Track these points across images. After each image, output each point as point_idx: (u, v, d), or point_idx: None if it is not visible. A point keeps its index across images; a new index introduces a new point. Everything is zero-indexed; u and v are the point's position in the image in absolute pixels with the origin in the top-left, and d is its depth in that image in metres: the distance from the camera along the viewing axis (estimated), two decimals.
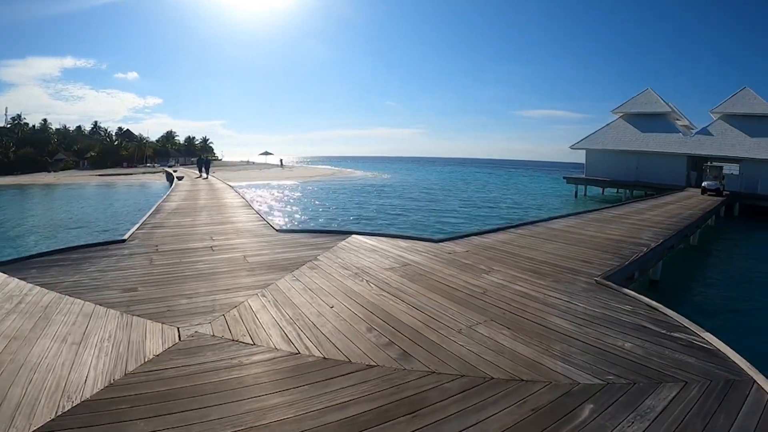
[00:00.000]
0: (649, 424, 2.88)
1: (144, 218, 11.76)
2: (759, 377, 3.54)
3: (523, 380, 3.39)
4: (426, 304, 5.04)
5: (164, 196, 18.29)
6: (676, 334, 4.42)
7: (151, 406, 2.96)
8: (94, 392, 3.11)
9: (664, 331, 4.48)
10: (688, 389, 3.36)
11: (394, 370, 3.47)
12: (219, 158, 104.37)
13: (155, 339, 4.02)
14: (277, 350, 3.83)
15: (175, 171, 43.79)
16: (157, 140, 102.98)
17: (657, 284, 10.47)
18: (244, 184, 37.99)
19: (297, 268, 6.60)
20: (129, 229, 9.93)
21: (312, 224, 19.69)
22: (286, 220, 20.85)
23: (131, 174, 56.91)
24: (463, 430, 2.77)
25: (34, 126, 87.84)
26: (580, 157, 42.51)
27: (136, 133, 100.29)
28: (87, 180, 49.49)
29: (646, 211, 16.10)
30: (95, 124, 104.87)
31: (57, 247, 7.94)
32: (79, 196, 33.39)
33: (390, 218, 22.29)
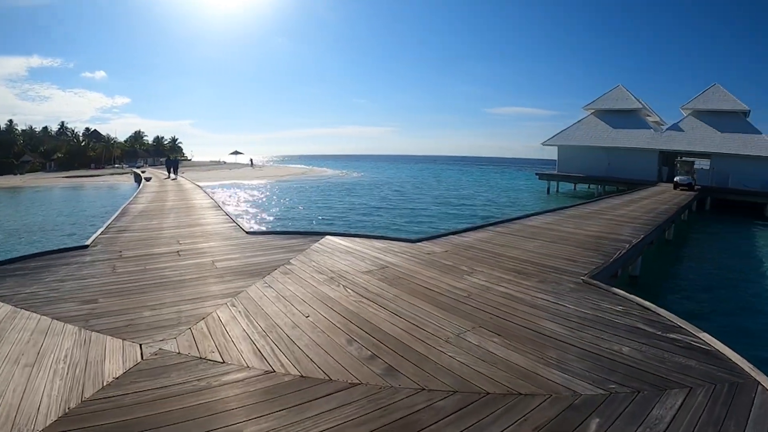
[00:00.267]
0: None
1: (108, 222, 11.26)
2: (762, 378, 3.46)
3: (521, 394, 3.18)
4: (408, 311, 4.78)
5: (131, 198, 17.61)
6: (672, 335, 4.31)
7: None
8: (47, 424, 2.74)
9: (659, 333, 4.36)
10: (694, 396, 3.23)
11: (380, 389, 3.19)
12: (188, 158, 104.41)
13: (115, 358, 3.65)
14: (250, 368, 3.49)
15: (143, 172, 42.57)
16: (125, 141, 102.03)
17: (637, 280, 10.56)
18: (213, 184, 37.48)
19: (269, 274, 6.28)
20: (92, 234, 9.45)
21: (283, 225, 19.23)
22: (256, 221, 20.34)
23: (99, 175, 55.55)
24: None
25: None
26: (550, 153, 43.35)
27: (104, 133, 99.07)
28: (54, 182, 47.73)
29: (622, 207, 16.34)
30: (62, 124, 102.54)
31: (16, 255, 7.48)
32: (46, 199, 32.01)
33: (363, 217, 22.02)
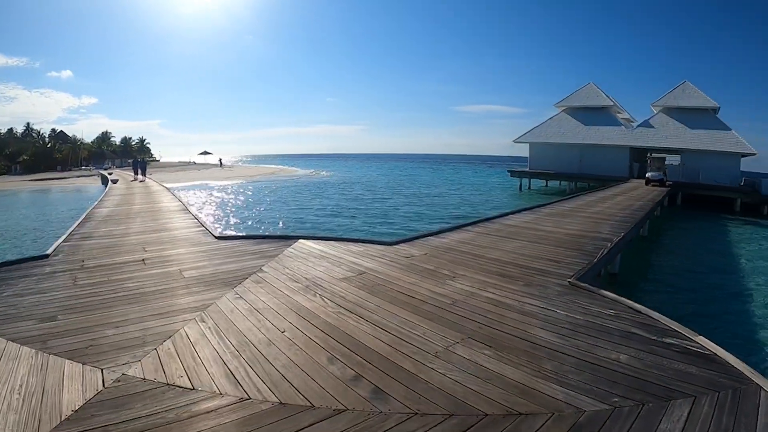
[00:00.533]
0: None
1: (72, 228, 10.66)
2: (763, 382, 3.42)
3: (521, 414, 2.98)
4: (391, 322, 4.54)
5: (95, 202, 16.84)
6: (668, 340, 4.22)
7: None
8: None
9: (655, 338, 4.27)
10: (699, 405, 3.13)
11: (368, 415, 2.93)
12: (157, 159, 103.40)
13: (74, 386, 3.29)
14: (222, 395, 3.19)
15: (110, 174, 41.18)
16: (92, 142, 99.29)
17: (616, 277, 10.62)
18: (181, 185, 36.82)
19: (240, 283, 5.95)
20: (54, 242, 8.93)
21: (254, 228, 18.73)
22: (226, 224, 19.77)
23: (66, 178, 53.63)
24: None
25: None
26: (520, 150, 44.02)
27: (71, 134, 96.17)
28: (20, 186, 45.48)
29: (598, 204, 16.56)
30: (28, 126, 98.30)
31: None
32: (11, 204, 30.32)
33: (336, 218, 21.67)
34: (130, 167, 37.20)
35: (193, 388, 3.29)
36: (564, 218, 12.57)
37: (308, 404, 3.06)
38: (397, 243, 8.60)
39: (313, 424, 2.83)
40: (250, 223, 20.24)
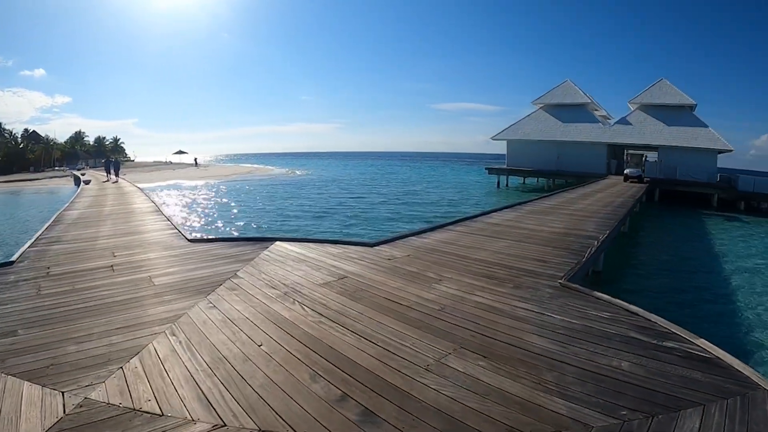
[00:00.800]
0: None
1: (40, 232, 10.14)
2: None
3: None
4: (377, 332, 4.28)
5: (66, 204, 16.15)
6: (669, 344, 4.08)
7: None
8: None
9: (655, 342, 4.13)
10: (709, 414, 2.99)
11: None
12: (131, 159, 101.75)
13: (33, 413, 2.96)
14: (195, 422, 2.87)
15: (83, 174, 39.90)
16: (65, 142, 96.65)
17: (600, 275, 10.59)
18: (154, 185, 36.18)
19: (213, 290, 5.62)
20: (21, 248, 8.48)
21: (228, 229, 18.22)
22: (199, 225, 19.19)
23: (39, 179, 51.76)
24: None
25: None
26: (496, 147, 44.36)
27: (44, 134, 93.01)
28: None
29: (579, 201, 16.62)
30: None
31: None
32: None
33: (313, 219, 21.23)
34: (103, 167, 36.16)
35: (162, 414, 2.97)
36: (547, 216, 12.53)
37: (290, 431, 2.78)
38: (377, 244, 8.36)
39: None
40: (224, 224, 19.70)
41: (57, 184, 44.60)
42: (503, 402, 3.10)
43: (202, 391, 3.25)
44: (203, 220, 20.77)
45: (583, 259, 7.30)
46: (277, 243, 8.40)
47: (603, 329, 4.40)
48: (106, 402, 3.12)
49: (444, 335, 4.21)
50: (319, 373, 3.49)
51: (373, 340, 4.09)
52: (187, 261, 7.25)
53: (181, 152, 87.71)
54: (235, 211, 23.95)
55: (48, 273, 6.57)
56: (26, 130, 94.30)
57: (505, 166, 41.47)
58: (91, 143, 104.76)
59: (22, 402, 3.12)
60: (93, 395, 3.20)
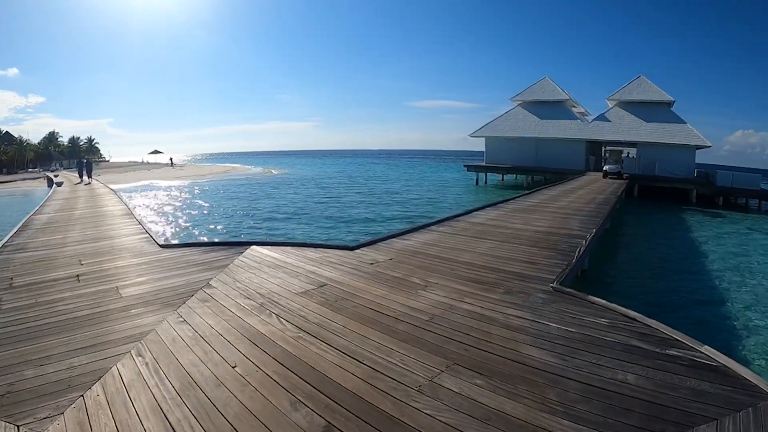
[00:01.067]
0: None
1: (6, 238, 9.59)
2: None
3: None
4: (362, 348, 3.98)
5: (36, 208, 15.45)
6: (672, 352, 3.90)
7: None
8: None
9: (658, 350, 3.94)
10: (723, 429, 2.83)
11: None
12: (106, 159, 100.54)
13: None
14: None
15: (56, 176, 38.64)
16: (39, 142, 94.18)
17: (585, 274, 10.48)
18: (128, 186, 35.58)
19: (184, 302, 5.25)
20: None
21: (202, 233, 17.65)
22: (172, 228, 18.54)
23: (12, 181, 49.90)
24: None
25: None
26: (474, 144, 44.56)
27: (17, 135, 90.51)
28: None
29: (561, 198, 16.60)
30: None
31: None
32: None
33: (290, 220, 20.75)
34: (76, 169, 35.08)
35: None
36: (530, 214, 12.42)
37: None
38: (358, 247, 8.09)
39: None
40: (198, 227, 19.09)
41: (31, 186, 43.37)
42: (505, 427, 2.84)
43: (170, 424, 2.90)
44: (177, 222, 20.13)
45: (573, 261, 7.14)
46: (253, 247, 8.06)
47: (602, 338, 4.19)
48: None
49: (435, 350, 3.94)
50: (300, 399, 3.16)
51: (358, 358, 3.78)
52: (157, 269, 6.86)
53: (156, 152, 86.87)
54: (210, 212, 23.33)
55: (11, 285, 6.13)
56: None
57: (483, 164, 41.60)
58: (66, 144, 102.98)
59: None
60: (51, 429, 2.85)
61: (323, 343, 4.08)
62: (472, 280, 6.11)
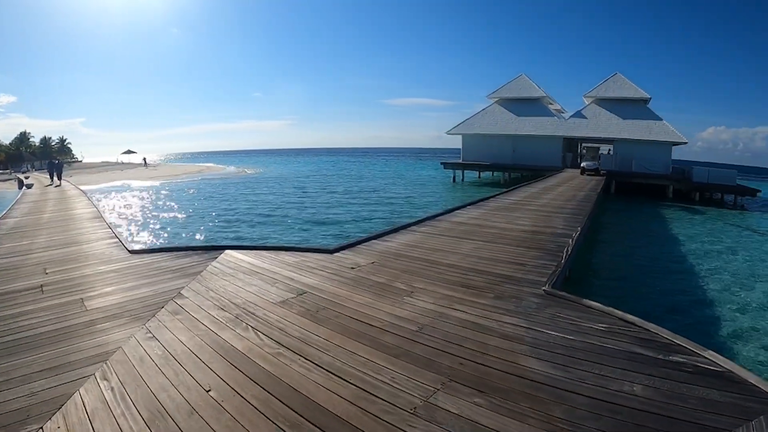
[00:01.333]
0: None
1: None
2: None
3: None
4: (349, 365, 3.70)
5: (3, 212, 14.71)
6: (676, 358, 3.77)
7: None
8: None
9: (661, 357, 3.80)
10: None
11: None
12: (79, 160, 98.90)
13: None
14: None
15: (26, 178, 37.17)
16: (10, 143, 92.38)
17: (570, 273, 10.41)
18: (100, 187, 34.74)
19: (153, 315, 4.91)
20: None
21: (174, 236, 17.06)
22: (143, 232, 17.83)
23: None
24: None
25: None
26: (449, 142, 44.77)
27: None
28: None
29: (542, 195, 16.60)
30: None
31: None
32: None
33: (267, 221, 20.25)
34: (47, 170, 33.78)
35: None
36: (513, 213, 12.32)
37: None
38: (337, 250, 7.82)
39: None
40: (170, 229, 18.42)
41: (1, 188, 41.96)
42: None
43: None
44: (148, 225, 19.41)
45: (563, 262, 7.00)
46: (227, 252, 7.72)
47: (603, 345, 4.02)
48: None
49: (427, 364, 3.69)
50: (283, 427, 2.87)
51: (344, 377, 3.50)
52: (126, 277, 6.47)
53: (130, 152, 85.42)
54: (182, 214, 22.61)
55: None
56: None
57: (460, 161, 41.64)
58: (37, 144, 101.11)
59: None
60: None
61: (305, 360, 3.79)
62: (459, 284, 5.90)
